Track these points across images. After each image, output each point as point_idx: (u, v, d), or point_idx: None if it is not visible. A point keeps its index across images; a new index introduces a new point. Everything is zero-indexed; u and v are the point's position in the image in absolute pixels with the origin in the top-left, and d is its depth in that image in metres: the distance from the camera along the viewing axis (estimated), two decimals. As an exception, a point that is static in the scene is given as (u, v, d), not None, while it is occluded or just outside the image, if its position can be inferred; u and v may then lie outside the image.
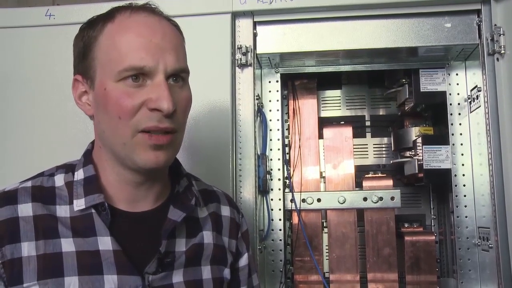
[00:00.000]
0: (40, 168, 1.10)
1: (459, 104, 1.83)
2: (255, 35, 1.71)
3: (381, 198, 1.83)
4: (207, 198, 1.19)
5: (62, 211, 1.00)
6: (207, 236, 1.13)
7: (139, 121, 0.96)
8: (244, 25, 1.70)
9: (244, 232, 1.26)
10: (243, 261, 1.23)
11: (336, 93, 2.16)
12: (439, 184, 1.96)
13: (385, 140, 2.13)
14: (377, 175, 2.00)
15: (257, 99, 1.74)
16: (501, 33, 1.56)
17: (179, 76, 1.01)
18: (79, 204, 1.00)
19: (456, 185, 1.79)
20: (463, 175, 1.79)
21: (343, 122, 2.08)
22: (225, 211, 1.22)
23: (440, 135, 1.90)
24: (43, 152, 1.67)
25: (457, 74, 1.85)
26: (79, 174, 1.04)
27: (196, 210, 1.14)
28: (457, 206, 1.78)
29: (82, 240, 0.98)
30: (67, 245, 0.97)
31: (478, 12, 1.63)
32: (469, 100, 1.80)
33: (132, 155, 0.98)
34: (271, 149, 1.88)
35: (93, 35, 1.01)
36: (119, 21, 1.00)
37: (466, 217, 1.77)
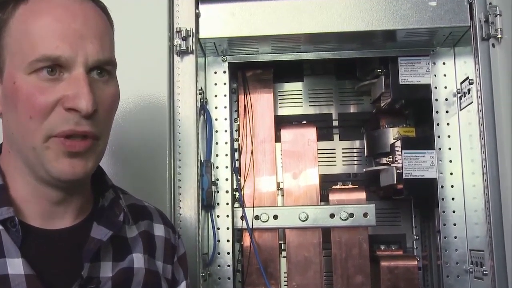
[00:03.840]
0: None
1: (446, 99, 1.78)
2: (197, 15, 1.64)
3: (351, 215, 1.78)
4: (137, 215, 1.15)
5: None
6: (138, 260, 1.08)
7: (53, 124, 0.93)
8: (184, 3, 1.64)
9: (181, 256, 1.22)
10: None
11: (297, 86, 2.12)
12: (423, 197, 1.90)
13: (357, 143, 2.09)
14: (346, 187, 1.97)
15: (200, 93, 1.70)
16: (497, 13, 1.51)
17: (103, 69, 0.97)
18: None
19: (443, 199, 1.74)
20: (452, 186, 1.74)
21: (305, 122, 2.04)
22: (159, 230, 1.17)
23: (423, 138, 1.86)
24: None
25: (444, 63, 1.79)
26: None
27: (124, 228, 1.09)
28: (444, 225, 1.73)
29: None
30: None
31: (470, -12, 1.60)
32: (459, 95, 1.75)
33: (44, 163, 0.94)
34: (217, 155, 1.82)
35: (2, 18, 0.97)
36: (33, 2, 0.96)
37: (455, 237, 1.72)
